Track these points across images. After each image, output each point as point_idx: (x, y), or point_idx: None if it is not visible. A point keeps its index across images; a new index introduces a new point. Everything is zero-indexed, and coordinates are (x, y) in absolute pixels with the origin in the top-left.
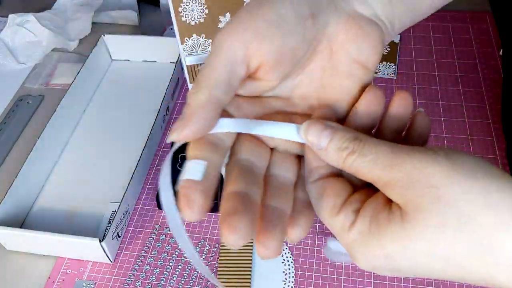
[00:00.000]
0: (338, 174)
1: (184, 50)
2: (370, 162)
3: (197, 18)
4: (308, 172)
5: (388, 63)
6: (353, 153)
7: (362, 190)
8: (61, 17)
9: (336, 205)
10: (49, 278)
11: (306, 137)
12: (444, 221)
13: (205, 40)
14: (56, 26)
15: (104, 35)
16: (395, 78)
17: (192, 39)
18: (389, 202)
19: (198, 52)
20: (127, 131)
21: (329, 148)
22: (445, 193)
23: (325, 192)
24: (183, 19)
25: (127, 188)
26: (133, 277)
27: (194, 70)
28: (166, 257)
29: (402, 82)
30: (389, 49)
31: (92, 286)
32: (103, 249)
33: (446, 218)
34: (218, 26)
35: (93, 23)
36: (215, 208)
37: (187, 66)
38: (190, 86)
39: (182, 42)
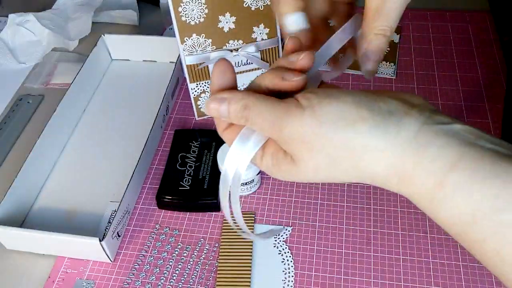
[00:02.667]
0: None
1: (184, 50)
2: (259, 128)
3: (197, 18)
4: (217, 124)
5: (388, 63)
6: (247, 120)
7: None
8: (61, 17)
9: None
10: (49, 277)
11: (210, 113)
12: (318, 163)
13: (205, 40)
14: (56, 26)
15: (104, 35)
16: (394, 78)
17: (192, 39)
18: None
19: (198, 51)
20: (127, 130)
21: (231, 118)
22: (314, 145)
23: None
24: (183, 18)
25: (127, 187)
26: (133, 276)
27: (194, 69)
28: (166, 256)
29: (402, 82)
30: (388, 49)
31: (92, 285)
32: (103, 248)
33: (318, 161)
34: (218, 26)
35: (93, 23)
36: (215, 207)
37: (187, 66)
38: (190, 85)
39: (182, 41)
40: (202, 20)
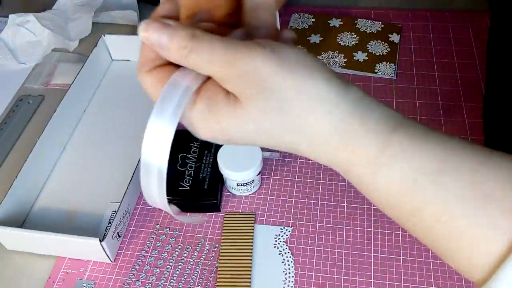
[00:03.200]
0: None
1: None
2: (206, 60)
3: None
4: (141, 64)
5: (388, 63)
6: (192, 51)
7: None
8: (61, 17)
9: None
10: (49, 277)
11: (146, 37)
12: (268, 105)
13: None
14: (56, 26)
15: (104, 35)
16: (395, 78)
17: None
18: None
19: None
20: (127, 131)
21: (171, 47)
22: (270, 84)
23: (163, 80)
24: None
25: (127, 188)
26: (133, 276)
27: None
28: (166, 256)
29: (402, 82)
30: (389, 49)
31: (92, 285)
32: (103, 248)
33: (269, 103)
34: None
35: (93, 23)
36: (215, 208)
37: None
38: None
39: None
40: None
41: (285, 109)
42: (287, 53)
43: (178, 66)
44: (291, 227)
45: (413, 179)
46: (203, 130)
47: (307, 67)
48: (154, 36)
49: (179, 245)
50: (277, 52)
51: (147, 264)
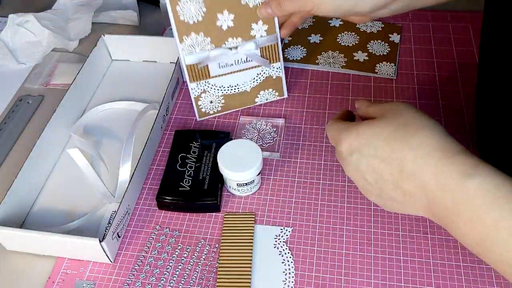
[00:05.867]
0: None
1: (183, 50)
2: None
3: (195, 16)
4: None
5: (388, 63)
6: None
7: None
8: (61, 17)
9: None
10: (49, 278)
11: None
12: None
13: (204, 39)
14: (56, 26)
15: (104, 35)
16: (395, 78)
17: (190, 38)
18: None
19: (197, 51)
20: (127, 130)
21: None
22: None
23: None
24: (181, 18)
25: (127, 188)
26: (133, 277)
27: (193, 69)
28: (166, 257)
29: (402, 82)
30: (389, 49)
31: (92, 286)
32: (103, 249)
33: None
34: (217, 24)
35: (93, 23)
36: (215, 208)
37: (186, 65)
38: (190, 85)
39: (181, 41)
40: (200, 18)
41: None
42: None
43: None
44: (291, 227)
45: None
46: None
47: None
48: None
49: (179, 245)
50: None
51: (147, 265)
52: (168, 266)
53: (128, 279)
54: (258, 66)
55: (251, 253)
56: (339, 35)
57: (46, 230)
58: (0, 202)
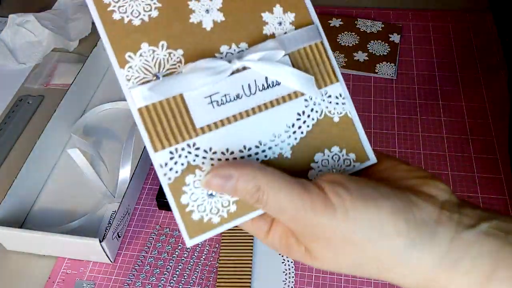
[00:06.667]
0: None
1: (127, 79)
2: (275, 211)
3: (144, 11)
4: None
5: (388, 63)
6: (259, 203)
7: None
8: (61, 17)
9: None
10: (49, 278)
11: (210, 189)
12: (340, 265)
13: (170, 52)
14: (56, 26)
15: None
16: (395, 78)
17: (141, 54)
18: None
19: (160, 75)
20: (127, 131)
21: (239, 196)
22: (340, 250)
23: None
24: (116, 16)
25: (127, 188)
26: (133, 277)
27: (155, 118)
28: (166, 257)
29: (402, 82)
30: (389, 50)
31: (92, 286)
32: (103, 249)
33: (341, 263)
34: (190, 20)
35: (93, 23)
36: None
37: (139, 111)
38: (155, 160)
39: (122, 63)
40: (154, 13)
41: (361, 269)
42: (363, 216)
43: None
44: None
45: None
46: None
47: (385, 234)
48: (218, 188)
49: (179, 245)
50: (350, 214)
51: (147, 265)
52: (168, 266)
53: (128, 279)
54: (296, 93)
55: (251, 253)
56: (339, 35)
57: (46, 230)
58: (0, 202)
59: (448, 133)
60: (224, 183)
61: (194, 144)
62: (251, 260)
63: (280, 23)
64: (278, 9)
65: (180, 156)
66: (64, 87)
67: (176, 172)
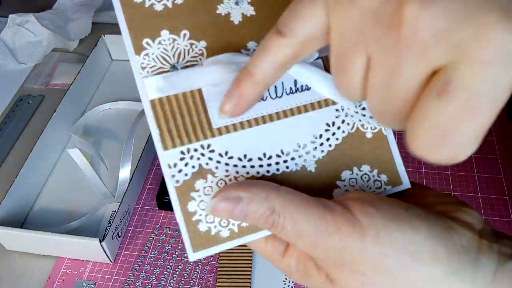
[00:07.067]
0: None
1: (142, 68)
2: (294, 236)
3: None
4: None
5: None
6: (275, 227)
7: None
8: (61, 17)
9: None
10: (49, 278)
11: (217, 216)
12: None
13: (191, 43)
14: (56, 26)
15: (104, 35)
16: None
17: (159, 41)
18: None
19: (178, 67)
20: (127, 131)
21: (250, 221)
22: (370, 278)
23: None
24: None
25: (127, 188)
26: (133, 277)
27: (169, 113)
28: (166, 257)
29: None
30: None
31: (92, 286)
32: (103, 249)
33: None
34: (217, 11)
35: (93, 23)
36: None
37: (151, 103)
38: (162, 159)
39: (138, 50)
40: (180, 0)
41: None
42: (396, 239)
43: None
44: None
45: None
46: (295, 280)
47: (422, 258)
48: (226, 213)
49: (179, 245)
50: (382, 237)
51: (147, 265)
52: (168, 266)
53: (128, 279)
54: (326, 101)
55: (251, 253)
56: None
57: (46, 230)
58: (0, 202)
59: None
60: (233, 207)
61: (209, 146)
62: (251, 260)
63: None
64: None
65: (192, 157)
66: (64, 87)
67: (186, 175)
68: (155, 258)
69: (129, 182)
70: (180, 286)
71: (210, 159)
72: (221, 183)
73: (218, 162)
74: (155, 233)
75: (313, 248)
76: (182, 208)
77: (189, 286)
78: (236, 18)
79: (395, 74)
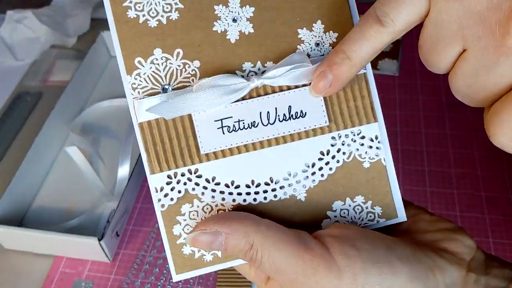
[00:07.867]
0: None
1: (133, 88)
2: (272, 272)
3: (163, 12)
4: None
5: (391, 59)
6: (253, 261)
7: None
8: (60, 14)
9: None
10: (48, 277)
11: (197, 247)
12: None
13: (184, 63)
14: (54, 23)
15: (103, 32)
16: (397, 75)
17: (152, 61)
18: None
19: (169, 89)
20: (126, 128)
21: (230, 254)
22: None
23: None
24: (130, 14)
25: (126, 186)
26: (132, 276)
27: (157, 137)
28: (166, 256)
29: (405, 79)
30: (391, 46)
31: (91, 285)
32: (102, 248)
33: None
34: (213, 28)
35: (92, 20)
36: None
37: (139, 125)
38: (151, 182)
39: (130, 70)
40: (174, 15)
41: None
42: (374, 282)
43: None
44: None
45: None
46: None
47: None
48: (205, 245)
49: None
50: (359, 280)
51: (146, 264)
52: (168, 265)
53: (127, 278)
54: (322, 129)
55: None
56: None
57: (45, 229)
58: None
59: (451, 130)
60: (212, 240)
61: (196, 171)
62: None
63: (317, 44)
64: (319, 26)
65: (178, 182)
66: (62, 84)
67: (172, 199)
68: (154, 257)
69: (128, 180)
70: (180, 286)
71: (197, 184)
72: (207, 208)
73: (205, 188)
74: (154, 232)
75: (290, 286)
76: (167, 231)
77: (188, 285)
78: (232, 36)
79: (488, 70)
